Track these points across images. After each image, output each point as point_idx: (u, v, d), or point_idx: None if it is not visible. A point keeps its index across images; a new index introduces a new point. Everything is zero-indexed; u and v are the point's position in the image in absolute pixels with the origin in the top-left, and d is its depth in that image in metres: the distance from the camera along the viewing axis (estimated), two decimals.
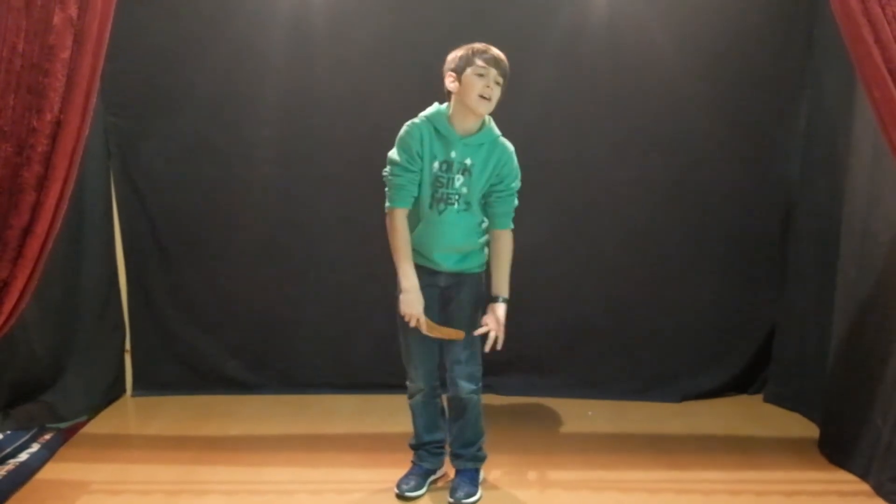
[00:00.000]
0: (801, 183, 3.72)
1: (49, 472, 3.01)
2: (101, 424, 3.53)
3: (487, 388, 3.91)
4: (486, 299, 2.78)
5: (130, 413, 3.77)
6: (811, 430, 3.41)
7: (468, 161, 2.66)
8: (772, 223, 3.86)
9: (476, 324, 2.74)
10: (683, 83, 3.69)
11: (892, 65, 2.29)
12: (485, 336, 2.71)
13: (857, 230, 3.06)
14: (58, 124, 2.36)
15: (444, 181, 2.67)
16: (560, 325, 3.91)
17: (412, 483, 2.84)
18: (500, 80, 2.63)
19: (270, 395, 3.88)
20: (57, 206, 2.43)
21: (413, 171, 2.65)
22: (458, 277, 2.75)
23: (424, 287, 2.70)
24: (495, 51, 2.64)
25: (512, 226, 2.77)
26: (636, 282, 3.88)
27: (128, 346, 3.91)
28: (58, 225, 2.46)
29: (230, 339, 3.92)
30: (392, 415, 3.60)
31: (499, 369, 3.95)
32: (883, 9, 2.28)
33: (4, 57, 2.32)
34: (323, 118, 3.76)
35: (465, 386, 2.76)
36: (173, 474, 3.01)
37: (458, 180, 2.66)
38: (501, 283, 2.77)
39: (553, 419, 3.63)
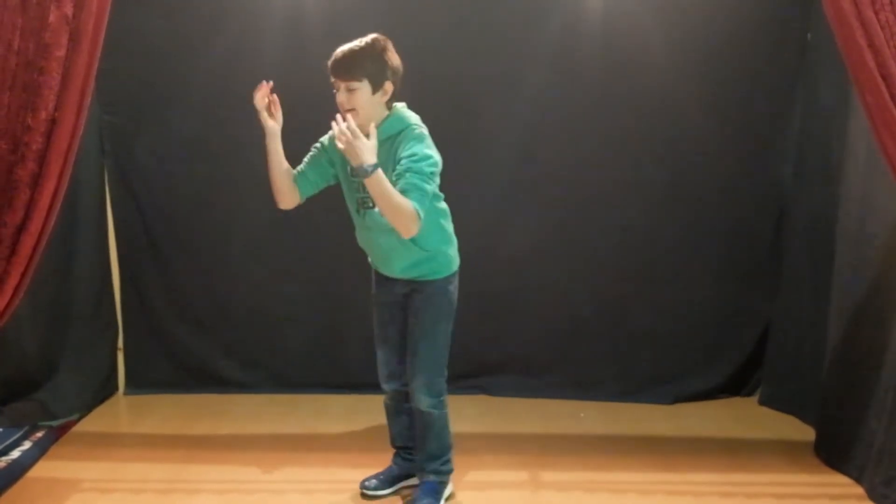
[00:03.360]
0: (796, 185, 3.73)
1: (40, 469, 3.00)
2: (92, 423, 3.53)
3: (480, 389, 3.93)
4: (452, 310, 2.66)
5: (122, 411, 3.76)
6: (805, 433, 3.42)
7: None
8: (766, 225, 3.87)
9: (437, 337, 2.62)
10: (678, 85, 3.70)
11: (886, 70, 2.30)
12: (444, 349, 2.63)
13: (851, 232, 3.07)
14: (52, 122, 2.36)
15: (357, 185, 2.55)
16: (553, 326, 3.92)
17: (374, 482, 2.84)
18: (349, 83, 2.41)
19: (262, 394, 3.88)
20: (51, 204, 2.42)
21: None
22: (414, 285, 2.62)
23: (383, 298, 2.69)
24: (336, 53, 2.45)
25: (414, 205, 2.36)
26: (629, 283, 3.88)
27: (120, 344, 3.91)
28: (52, 223, 2.46)
29: (223, 338, 3.92)
30: (384, 415, 3.59)
31: (491, 370, 3.97)
32: (876, 14, 2.29)
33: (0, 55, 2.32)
34: (317, 118, 3.72)
35: (424, 399, 2.65)
36: (165, 473, 3.01)
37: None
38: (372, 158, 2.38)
39: (545, 420, 3.63)
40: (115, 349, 3.89)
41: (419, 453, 2.77)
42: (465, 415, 3.66)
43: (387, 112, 2.51)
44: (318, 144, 2.69)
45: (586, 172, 3.79)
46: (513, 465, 3.12)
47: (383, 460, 3.00)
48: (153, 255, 3.84)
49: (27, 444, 3.11)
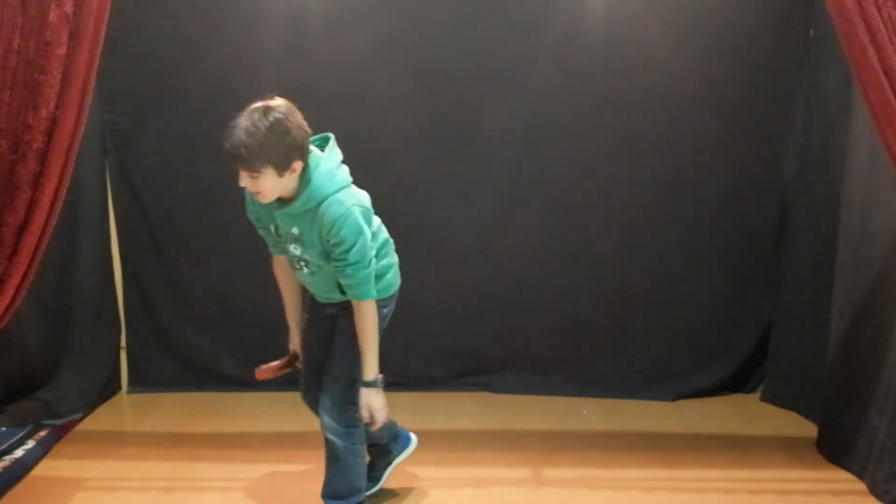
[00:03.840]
0: (798, 183, 3.73)
1: (44, 468, 3.01)
2: (96, 421, 3.53)
3: (482, 387, 3.94)
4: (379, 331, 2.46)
5: (126, 410, 3.77)
6: (807, 429, 3.42)
7: (295, 230, 2.31)
8: (769, 222, 3.86)
9: (355, 353, 2.39)
10: (680, 83, 3.70)
11: (888, 66, 2.30)
12: (353, 383, 2.42)
13: (854, 230, 3.06)
14: (53, 121, 2.36)
15: (282, 249, 2.42)
16: (556, 323, 3.92)
17: None
18: (250, 171, 2.14)
19: (265, 392, 3.88)
20: (52, 203, 2.43)
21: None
22: (346, 303, 2.41)
23: (314, 313, 2.56)
24: (231, 138, 2.13)
25: (366, 298, 2.32)
26: (632, 281, 3.88)
27: (123, 342, 3.91)
28: (53, 222, 2.46)
29: (226, 336, 3.92)
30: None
31: (494, 367, 3.97)
32: (879, 10, 2.28)
33: (0, 53, 2.32)
34: (318, 117, 3.69)
35: (329, 423, 2.44)
36: (168, 471, 3.01)
37: (296, 248, 2.35)
38: (367, 365, 2.36)
39: (548, 417, 3.63)
40: (118, 348, 3.90)
41: (324, 487, 2.53)
42: (468, 412, 3.68)
43: (299, 182, 2.24)
44: (249, 215, 2.47)
45: (589, 171, 3.79)
46: (515, 461, 3.12)
47: None
48: (155, 254, 3.84)
49: (31, 443, 3.11)
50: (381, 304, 2.43)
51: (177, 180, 3.80)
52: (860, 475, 2.95)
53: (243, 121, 2.13)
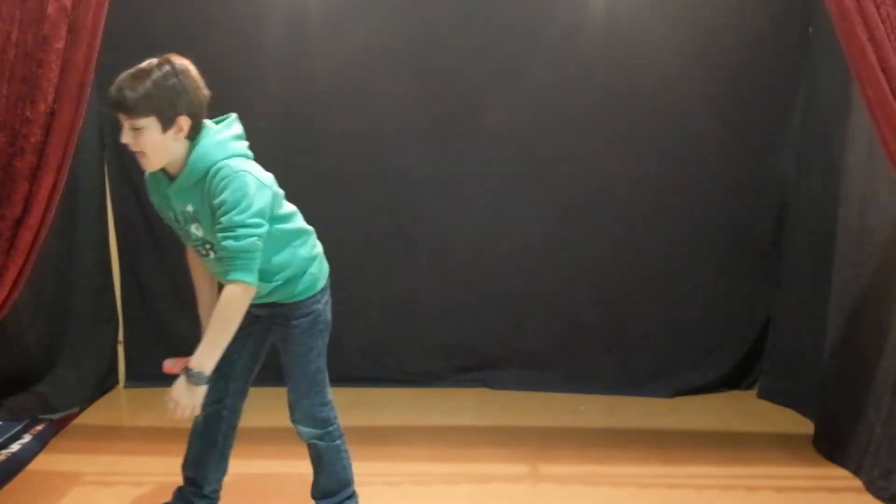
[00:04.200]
0: (797, 180, 3.73)
1: (41, 463, 3.01)
2: (93, 416, 3.53)
3: (480, 383, 3.94)
4: (324, 329, 2.39)
5: (123, 404, 3.77)
6: (805, 426, 3.42)
7: (189, 208, 2.10)
8: (766, 220, 3.87)
9: (310, 363, 2.34)
10: (680, 81, 3.69)
11: (886, 64, 2.30)
12: (318, 374, 2.34)
13: (852, 227, 3.06)
14: (51, 115, 2.36)
15: (186, 234, 2.18)
16: (553, 319, 3.92)
17: None
18: (132, 120, 1.97)
19: (262, 387, 3.87)
20: (50, 197, 2.42)
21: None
22: (275, 308, 2.29)
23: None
24: (116, 81, 2.01)
25: (235, 277, 2.03)
26: (630, 277, 3.89)
27: (120, 337, 3.91)
28: (51, 216, 2.46)
29: None
30: (383, 408, 3.62)
31: (492, 363, 3.97)
32: (877, 8, 2.28)
33: None
34: (319, 112, 3.75)
35: (306, 430, 2.39)
36: (166, 466, 2.99)
37: (197, 229, 2.13)
38: (200, 353, 2.10)
39: (546, 413, 3.63)
40: (115, 342, 3.89)
41: (312, 489, 2.51)
42: (466, 408, 3.68)
43: (187, 149, 2.05)
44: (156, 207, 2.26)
45: (588, 167, 3.79)
46: (513, 458, 3.12)
47: (382, 454, 3.01)
48: (153, 248, 3.83)
49: (27, 438, 3.11)
50: (312, 300, 2.30)
51: None
52: (857, 472, 2.95)
53: (133, 69, 2.01)
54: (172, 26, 3.63)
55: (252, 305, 2.15)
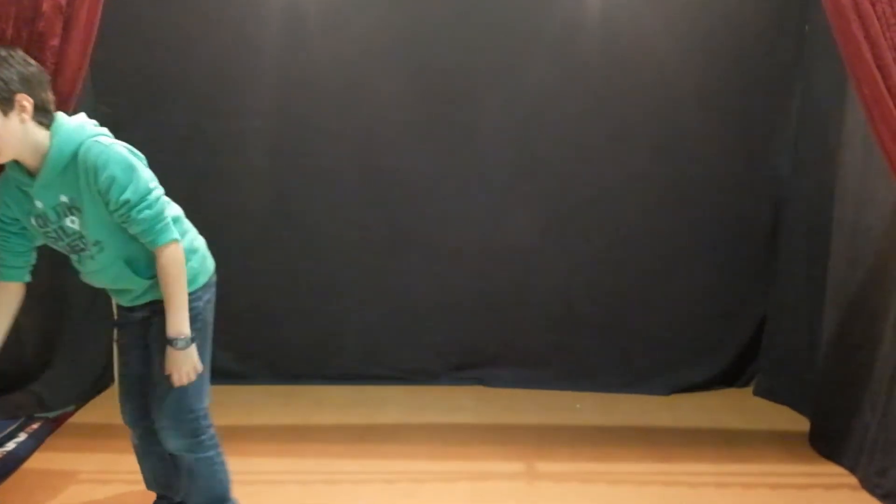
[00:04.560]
0: (793, 177, 3.73)
1: (36, 461, 3.00)
2: (88, 414, 3.52)
3: (476, 381, 3.94)
4: (205, 330, 2.26)
5: (118, 403, 3.75)
6: (800, 424, 3.43)
7: (65, 198, 2.01)
8: (762, 217, 3.87)
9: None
10: (676, 78, 3.70)
11: (882, 62, 2.30)
12: (183, 395, 2.17)
13: (847, 224, 3.07)
14: None
15: (56, 235, 2.08)
16: (549, 317, 3.92)
17: None
18: None
19: (259, 385, 3.88)
20: None
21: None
22: (154, 306, 2.17)
23: (122, 319, 2.30)
24: None
25: (164, 241, 2.06)
26: (626, 275, 3.89)
27: (115, 336, 3.89)
28: None
29: (219, 330, 3.82)
30: (381, 406, 3.62)
31: (488, 361, 3.98)
32: (873, 6, 2.28)
33: None
34: (315, 109, 3.75)
35: (173, 442, 2.23)
36: None
37: (73, 223, 2.05)
38: (170, 320, 2.08)
39: (542, 411, 3.63)
40: (110, 340, 3.87)
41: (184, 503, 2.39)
42: (462, 406, 3.68)
43: (43, 133, 1.97)
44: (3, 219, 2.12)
45: (585, 165, 3.79)
46: (509, 455, 3.12)
47: (379, 452, 3.01)
48: None
49: (23, 436, 3.10)
50: (196, 295, 2.17)
51: (171, 173, 3.70)
52: (852, 469, 2.96)
53: None
54: (168, 24, 3.63)
55: (128, 309, 2.19)
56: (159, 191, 2.08)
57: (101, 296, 3.79)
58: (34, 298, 3.31)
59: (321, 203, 3.83)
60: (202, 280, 2.24)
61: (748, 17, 3.66)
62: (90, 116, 2.14)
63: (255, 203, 3.82)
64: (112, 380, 3.89)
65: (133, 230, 2.04)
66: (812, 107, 3.55)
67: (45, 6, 2.28)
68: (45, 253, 2.27)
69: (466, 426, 3.43)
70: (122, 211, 1.99)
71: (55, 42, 2.31)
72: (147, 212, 2.01)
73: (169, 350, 2.10)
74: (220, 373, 3.83)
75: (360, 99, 3.70)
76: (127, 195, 1.98)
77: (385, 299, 3.92)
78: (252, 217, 3.82)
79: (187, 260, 2.15)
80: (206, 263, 2.30)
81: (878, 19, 2.30)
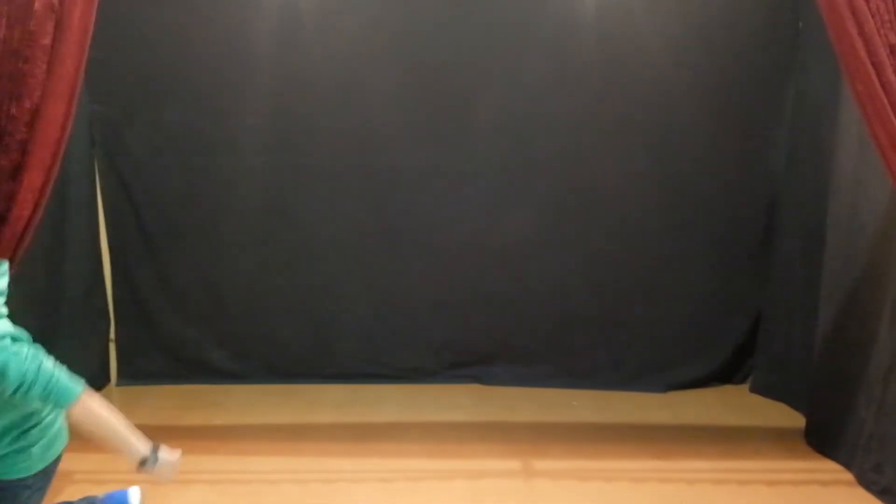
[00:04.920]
0: (788, 174, 3.74)
1: None
2: None
3: (473, 379, 3.94)
4: None
5: (115, 403, 3.65)
6: (796, 420, 3.44)
7: None
8: (758, 214, 3.87)
9: None
10: (671, 76, 3.69)
11: (876, 58, 2.30)
12: None
13: (842, 221, 3.07)
14: (37, 112, 2.33)
15: None
16: (546, 315, 3.92)
17: None
18: None
19: (256, 384, 3.88)
20: (38, 196, 2.40)
21: None
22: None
23: None
24: None
25: (72, 399, 2.02)
26: (622, 273, 3.89)
27: (112, 335, 3.89)
28: (39, 215, 2.43)
29: (215, 329, 3.91)
30: (377, 405, 3.62)
31: (485, 359, 3.98)
32: (867, 2, 2.28)
33: None
34: (310, 108, 3.74)
35: None
36: None
37: None
38: (127, 455, 2.07)
39: (538, 409, 3.64)
40: (107, 341, 3.88)
41: None
42: (459, 404, 3.68)
43: None
44: None
45: (579, 164, 3.79)
46: (506, 453, 3.12)
47: (376, 451, 3.01)
48: (145, 247, 3.82)
49: None
50: (25, 483, 2.03)
51: (167, 173, 3.78)
52: (848, 465, 2.97)
53: None
54: (164, 23, 3.62)
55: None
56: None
57: (96, 297, 3.83)
58: (30, 299, 3.33)
59: (317, 201, 3.83)
60: (35, 468, 2.10)
61: (742, 15, 3.66)
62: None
63: (251, 202, 3.82)
64: (109, 379, 3.89)
65: (35, 404, 1.94)
66: (807, 104, 3.56)
67: (37, 5, 2.27)
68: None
69: (463, 424, 3.43)
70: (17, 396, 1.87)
71: (47, 41, 2.29)
72: (42, 377, 1.96)
73: (151, 474, 2.08)
74: (217, 372, 3.90)
75: (355, 98, 3.70)
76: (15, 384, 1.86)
77: (381, 298, 3.92)
78: (247, 216, 3.82)
79: (32, 443, 2.03)
80: (49, 449, 2.14)
81: (873, 16, 2.30)
